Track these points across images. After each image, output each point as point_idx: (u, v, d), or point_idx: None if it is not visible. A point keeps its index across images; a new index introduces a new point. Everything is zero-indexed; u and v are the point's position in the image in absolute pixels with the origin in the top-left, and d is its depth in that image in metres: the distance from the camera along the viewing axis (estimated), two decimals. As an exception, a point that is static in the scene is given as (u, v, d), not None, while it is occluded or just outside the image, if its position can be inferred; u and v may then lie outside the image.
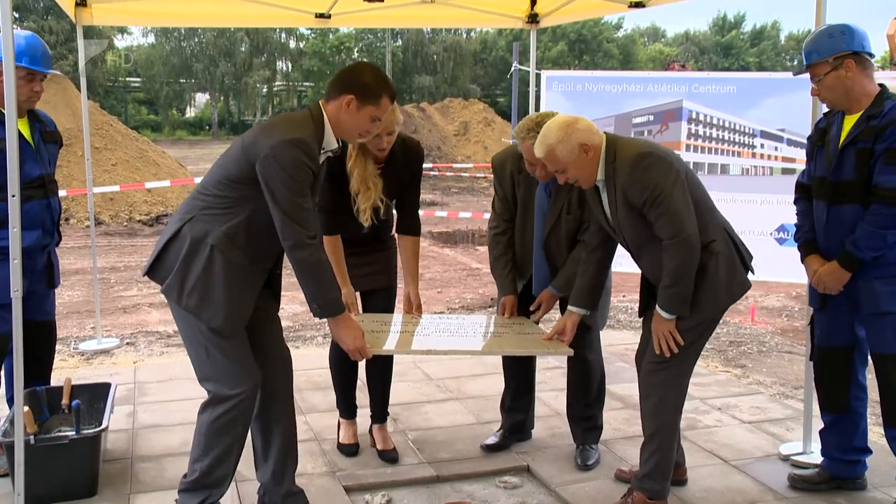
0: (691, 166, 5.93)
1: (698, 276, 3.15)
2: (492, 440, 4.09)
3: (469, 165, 22.73)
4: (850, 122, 3.33)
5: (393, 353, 3.24)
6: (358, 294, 3.89)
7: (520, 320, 3.81)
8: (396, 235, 3.94)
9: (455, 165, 22.49)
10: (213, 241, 2.93)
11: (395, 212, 3.95)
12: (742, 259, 3.29)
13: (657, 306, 3.20)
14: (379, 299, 3.94)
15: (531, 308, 3.79)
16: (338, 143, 3.07)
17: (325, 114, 3.00)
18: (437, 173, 21.96)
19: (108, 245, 11.61)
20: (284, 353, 3.28)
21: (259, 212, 2.93)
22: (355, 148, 3.65)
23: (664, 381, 3.28)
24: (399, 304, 3.96)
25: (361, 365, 3.80)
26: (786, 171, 5.23)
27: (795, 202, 3.62)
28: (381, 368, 4.02)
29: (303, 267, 2.91)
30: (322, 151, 3.02)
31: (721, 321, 6.72)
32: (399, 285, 4.00)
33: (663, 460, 3.32)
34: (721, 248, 3.19)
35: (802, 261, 3.56)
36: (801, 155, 5.08)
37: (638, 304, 3.51)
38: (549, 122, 3.22)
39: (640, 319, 3.50)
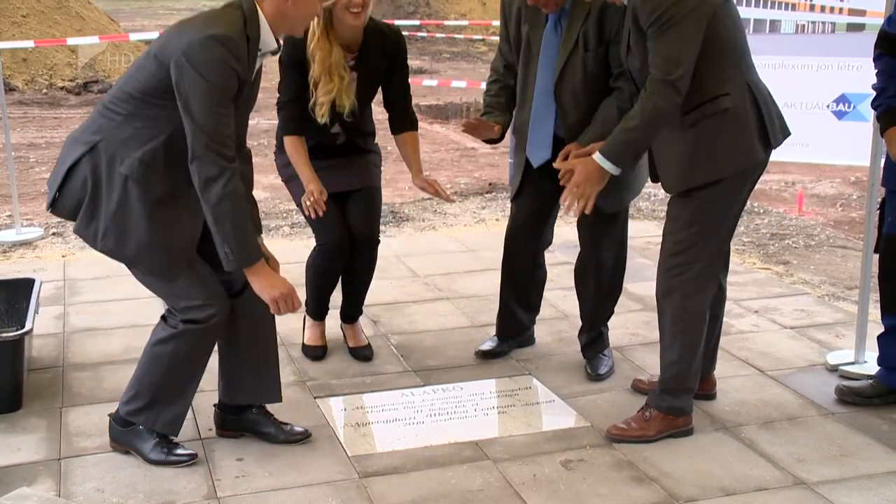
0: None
1: (695, 135, 3.11)
2: (488, 346, 4.15)
3: (464, 24, 22.23)
4: None
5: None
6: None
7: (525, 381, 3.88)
8: (393, 137, 3.98)
9: (447, 24, 22.02)
10: (126, 170, 2.90)
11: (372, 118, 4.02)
12: (763, 128, 3.17)
13: (598, 151, 3.15)
14: (358, 203, 3.95)
15: (555, 165, 3.36)
16: (278, 43, 3.02)
17: (259, 8, 2.93)
18: (424, 34, 21.48)
19: (24, 116, 11.45)
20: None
21: (181, 131, 2.87)
22: (319, 26, 3.61)
23: (687, 279, 3.28)
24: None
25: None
26: (852, 28, 5.08)
27: (877, 59, 3.51)
28: (363, 267, 4.06)
29: (214, 197, 2.83)
30: (259, 54, 2.98)
31: (762, 211, 6.82)
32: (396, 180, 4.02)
33: (685, 371, 3.38)
34: (734, 105, 3.09)
35: (883, 133, 3.50)
36: (873, 5, 4.91)
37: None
38: None
39: (665, 212, 3.46)
